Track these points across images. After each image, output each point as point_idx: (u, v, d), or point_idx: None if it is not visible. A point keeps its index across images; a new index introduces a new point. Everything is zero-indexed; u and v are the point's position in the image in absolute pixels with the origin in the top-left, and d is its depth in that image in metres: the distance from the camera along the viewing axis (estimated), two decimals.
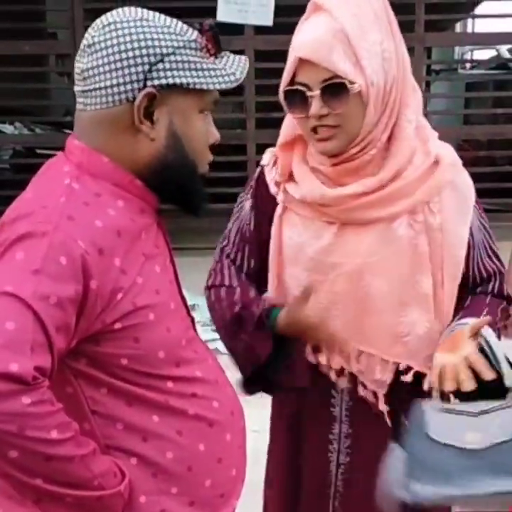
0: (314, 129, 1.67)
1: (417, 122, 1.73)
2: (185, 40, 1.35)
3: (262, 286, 1.88)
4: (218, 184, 5.23)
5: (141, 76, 1.32)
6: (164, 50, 1.33)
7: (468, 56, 12.16)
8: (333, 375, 1.80)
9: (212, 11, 5.32)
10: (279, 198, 1.80)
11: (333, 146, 1.68)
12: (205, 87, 1.36)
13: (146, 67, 1.32)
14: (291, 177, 1.79)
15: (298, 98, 1.66)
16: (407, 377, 1.77)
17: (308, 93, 1.63)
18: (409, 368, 1.78)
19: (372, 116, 1.65)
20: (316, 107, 1.63)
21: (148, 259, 1.38)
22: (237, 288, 1.86)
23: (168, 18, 1.38)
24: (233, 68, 1.40)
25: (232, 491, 1.50)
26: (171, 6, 4.39)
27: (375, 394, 1.80)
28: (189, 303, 1.56)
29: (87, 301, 1.24)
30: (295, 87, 1.65)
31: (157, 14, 1.38)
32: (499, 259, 1.83)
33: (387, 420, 1.80)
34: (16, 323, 1.17)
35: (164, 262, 1.46)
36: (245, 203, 1.91)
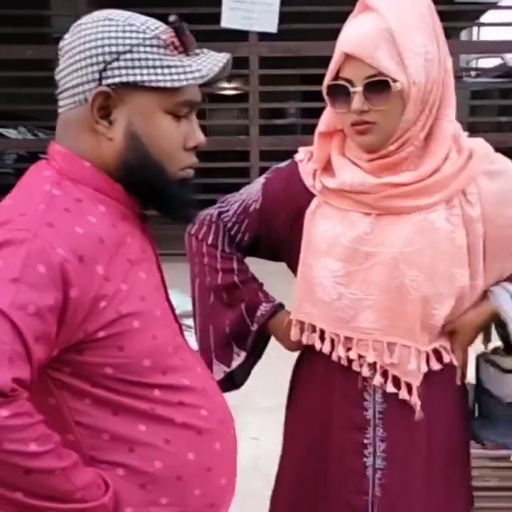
0: (354, 124, 1.72)
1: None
2: (146, 38, 1.32)
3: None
4: (221, 190, 5.22)
5: (97, 75, 1.31)
6: (120, 48, 1.31)
7: (473, 64, 12.16)
8: (365, 371, 1.79)
9: (216, 18, 5.33)
10: (317, 187, 1.83)
11: (371, 140, 1.73)
12: (161, 84, 1.33)
13: (102, 66, 1.31)
14: (326, 169, 1.83)
15: (341, 93, 1.71)
16: (437, 366, 1.79)
17: (351, 89, 1.68)
18: (440, 358, 1.80)
19: (411, 115, 1.69)
20: (357, 102, 1.68)
21: (134, 265, 1.35)
22: (235, 264, 1.96)
23: (136, 17, 1.35)
24: (201, 65, 1.35)
25: (222, 500, 1.47)
26: (174, 13, 4.37)
27: (408, 387, 1.78)
28: (184, 308, 1.55)
29: (67, 309, 1.22)
30: (339, 82, 1.70)
31: (126, 14, 1.36)
32: None
33: (418, 412, 1.78)
34: None
35: (150, 267, 1.43)
36: (259, 181, 1.97)
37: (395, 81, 1.64)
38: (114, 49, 1.31)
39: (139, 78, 1.31)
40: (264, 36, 5.39)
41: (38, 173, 1.37)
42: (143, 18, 1.36)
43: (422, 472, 1.82)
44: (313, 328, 1.84)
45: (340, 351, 1.80)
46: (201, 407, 1.43)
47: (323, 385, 1.86)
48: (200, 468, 1.41)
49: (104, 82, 1.31)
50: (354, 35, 1.68)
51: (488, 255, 1.77)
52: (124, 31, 1.31)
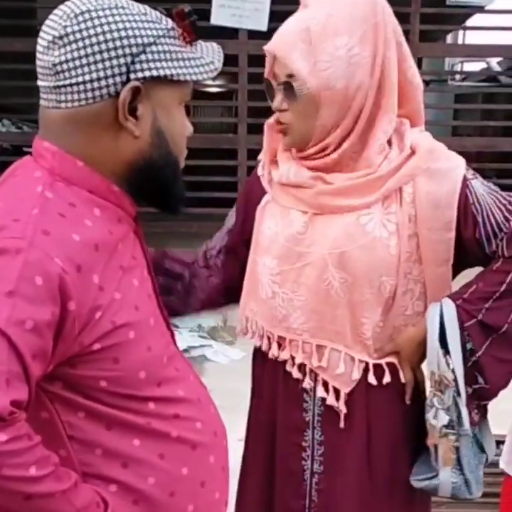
0: (276, 123, 1.73)
1: (398, 123, 1.73)
2: (164, 29, 1.27)
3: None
4: (208, 188, 5.20)
5: (124, 68, 1.23)
6: (146, 40, 1.24)
7: (457, 68, 12.22)
8: (295, 373, 1.77)
9: (206, 14, 5.29)
10: (263, 182, 1.82)
11: (287, 141, 1.74)
12: (188, 77, 1.28)
13: (129, 58, 1.23)
14: (275, 162, 1.82)
15: (270, 88, 1.71)
16: (372, 378, 1.74)
17: (275, 86, 1.70)
18: (376, 367, 1.75)
19: (326, 120, 1.66)
20: (277, 100, 1.69)
21: (126, 272, 1.28)
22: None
23: (141, 6, 1.29)
24: (210, 57, 1.32)
25: None
26: (163, 7, 4.34)
27: (337, 393, 1.75)
28: None
29: (64, 323, 1.15)
30: (267, 78, 1.71)
31: (130, 1, 1.29)
32: None
33: (342, 422, 1.75)
34: None
35: (142, 273, 1.36)
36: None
37: (303, 84, 1.62)
38: (139, 41, 1.24)
39: (167, 72, 1.26)
40: (253, 34, 5.36)
41: (26, 173, 1.28)
42: (142, 6, 1.29)
43: (360, 481, 1.78)
44: (256, 325, 1.84)
45: (274, 350, 1.79)
46: (196, 420, 1.39)
47: (270, 385, 1.85)
48: (194, 483, 1.37)
49: (132, 75, 1.23)
50: (279, 33, 1.67)
51: (423, 259, 1.73)
52: (143, 21, 1.25)
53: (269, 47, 1.67)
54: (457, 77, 11.55)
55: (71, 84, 1.24)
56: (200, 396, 1.43)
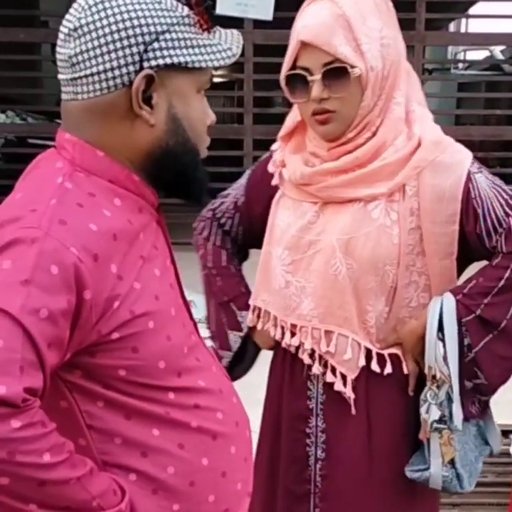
0: (314, 114, 1.71)
1: (407, 106, 1.77)
2: (178, 16, 1.25)
3: (245, 254, 2.10)
4: (214, 179, 5.18)
5: (137, 57, 1.22)
6: (159, 28, 1.23)
7: (460, 56, 12.18)
8: (306, 358, 1.80)
9: (211, 4, 5.28)
10: (274, 181, 1.86)
11: (333, 129, 1.73)
12: (203, 64, 1.27)
13: (142, 47, 1.22)
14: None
15: (299, 82, 1.71)
16: (375, 366, 1.78)
17: (310, 77, 1.68)
18: (379, 357, 1.79)
19: (370, 101, 1.70)
20: (317, 90, 1.68)
21: (147, 262, 1.28)
22: (225, 260, 2.01)
23: None
24: (228, 43, 1.31)
25: (238, 506, 1.43)
26: None
27: (344, 379, 1.78)
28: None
29: (80, 312, 1.15)
30: (297, 72, 1.70)
31: None
32: None
33: (353, 408, 1.78)
34: (4, 341, 1.07)
35: (164, 263, 1.36)
36: (245, 175, 2.02)
37: (352, 67, 1.65)
38: (152, 29, 1.23)
39: (181, 59, 1.25)
40: (259, 24, 5.34)
41: (49, 164, 1.28)
42: None
43: (361, 469, 1.82)
44: (269, 316, 1.87)
45: (286, 338, 1.82)
46: (217, 410, 1.38)
47: (280, 374, 1.89)
48: (215, 473, 1.36)
49: (145, 64, 1.23)
50: (310, 23, 1.67)
51: (427, 252, 1.75)
52: (156, 9, 1.24)
53: (305, 37, 1.66)
54: (460, 65, 11.50)
55: (86, 76, 1.24)
56: (222, 387, 1.42)
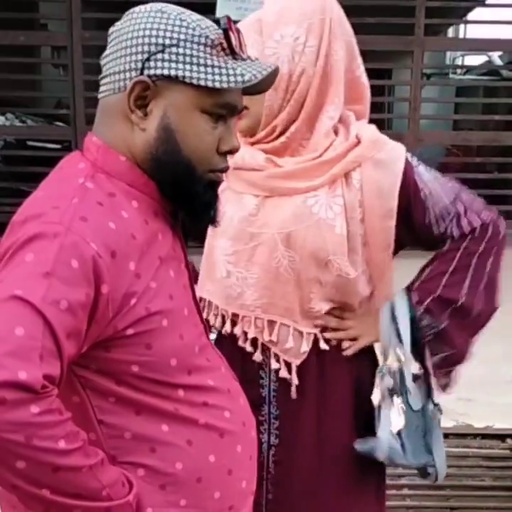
0: None
1: (344, 112, 1.85)
2: (194, 34, 1.29)
3: None
4: None
5: (139, 65, 1.29)
6: (167, 41, 1.28)
7: (459, 61, 12.19)
8: (248, 347, 1.85)
9: (211, 8, 5.30)
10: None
11: (244, 124, 1.83)
12: (201, 82, 1.29)
13: (145, 55, 1.29)
14: None
15: None
16: (323, 345, 1.85)
17: None
18: (326, 338, 1.86)
19: (273, 102, 1.78)
20: None
21: (164, 263, 1.33)
22: None
23: (190, 13, 1.32)
24: (246, 70, 1.31)
25: (242, 503, 1.46)
26: (169, 1, 4.33)
27: (288, 366, 1.83)
28: None
29: (98, 305, 1.19)
30: None
31: (181, 9, 1.33)
32: (464, 195, 1.87)
33: (293, 393, 1.83)
34: (26, 329, 1.11)
35: (179, 266, 1.41)
36: None
37: None
38: (160, 41, 1.28)
39: (180, 73, 1.29)
40: None
41: (72, 164, 1.34)
42: (197, 16, 1.33)
43: (312, 453, 1.87)
44: (212, 305, 1.92)
45: (227, 327, 1.88)
46: (225, 409, 1.41)
47: (229, 363, 1.91)
48: (221, 470, 1.39)
49: (145, 72, 1.29)
50: (238, 25, 1.78)
51: (370, 244, 1.82)
52: (173, 25, 1.29)
53: None
54: (458, 70, 11.52)
55: (104, 77, 1.35)
56: (230, 387, 1.46)
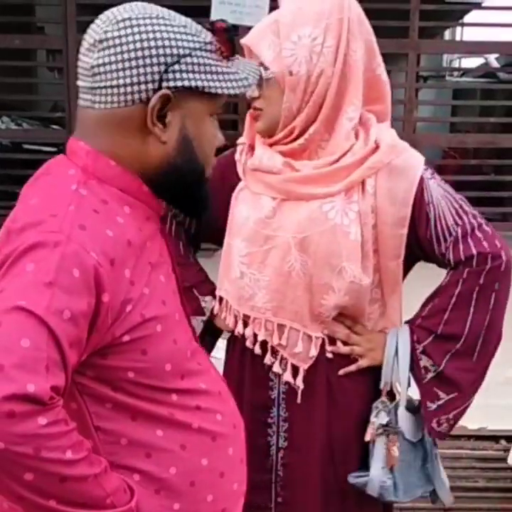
0: (251, 109, 1.87)
1: (364, 115, 1.84)
2: (202, 42, 1.30)
3: (197, 245, 2.13)
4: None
5: (157, 77, 1.27)
6: (181, 51, 1.28)
7: (456, 63, 12.21)
8: (257, 349, 1.86)
9: (206, 11, 5.30)
10: (239, 169, 1.92)
11: (261, 126, 1.84)
12: (219, 91, 1.32)
13: (162, 67, 1.27)
14: (253, 151, 1.91)
15: None
16: (330, 350, 1.85)
17: None
18: (332, 343, 1.86)
19: (291, 103, 1.77)
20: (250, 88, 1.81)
21: (154, 268, 1.33)
22: (182, 250, 2.02)
23: (183, 18, 1.33)
24: (246, 73, 1.36)
25: (234, 505, 1.46)
26: (164, 4, 4.34)
27: (296, 370, 1.84)
28: None
29: (99, 314, 1.19)
30: None
31: (172, 12, 1.33)
32: (469, 220, 1.82)
33: (299, 398, 1.84)
34: (31, 341, 1.11)
35: (168, 270, 1.42)
36: None
37: (266, 69, 1.75)
38: (175, 51, 1.27)
39: (199, 84, 1.29)
40: None
41: (60, 170, 1.32)
42: (184, 18, 1.33)
43: (322, 456, 1.88)
44: (228, 304, 1.93)
45: (239, 327, 1.89)
46: (217, 412, 1.42)
47: (239, 365, 1.94)
48: (214, 473, 1.40)
49: (164, 84, 1.27)
50: (254, 27, 1.81)
51: (379, 251, 1.82)
52: (181, 33, 1.29)
53: (244, 40, 1.80)
54: (455, 73, 11.53)
55: (106, 87, 1.28)
56: (220, 389, 1.47)
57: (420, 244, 1.83)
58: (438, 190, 1.82)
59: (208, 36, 1.32)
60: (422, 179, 1.80)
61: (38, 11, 8.16)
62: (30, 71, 8.56)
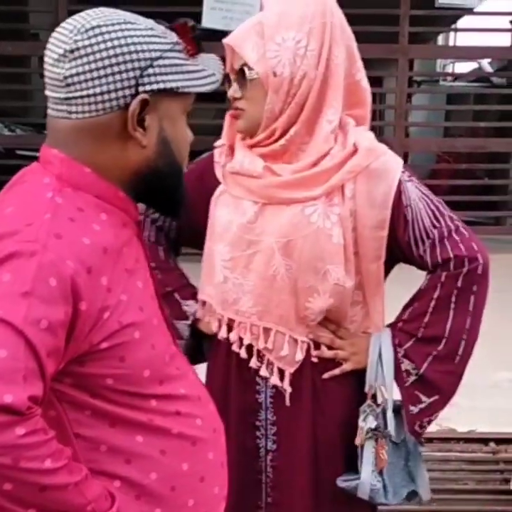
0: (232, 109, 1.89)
1: (343, 118, 1.85)
2: (170, 43, 1.32)
3: (178, 250, 2.14)
4: None
5: (133, 82, 1.27)
6: (153, 54, 1.28)
7: (449, 68, 12.24)
8: (242, 353, 1.86)
9: (197, 17, 5.33)
10: (218, 174, 1.92)
11: (239, 125, 1.85)
12: (193, 90, 1.33)
13: (137, 72, 1.27)
14: (232, 153, 1.92)
15: (227, 80, 1.84)
16: (315, 354, 1.86)
17: (231, 76, 1.84)
18: (317, 347, 1.87)
19: (274, 105, 1.78)
20: (232, 89, 1.84)
21: (131, 274, 1.33)
22: (162, 255, 2.04)
23: (148, 21, 1.34)
24: (212, 69, 1.37)
25: (215, 509, 1.47)
26: (154, 11, 4.38)
27: (282, 373, 1.85)
28: None
29: (76, 323, 1.20)
30: (225, 71, 1.79)
31: (135, 16, 1.33)
32: (446, 222, 1.84)
33: (287, 400, 1.85)
34: (8, 351, 1.11)
35: (145, 276, 1.41)
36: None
37: (250, 70, 1.77)
38: (147, 55, 1.28)
39: (173, 84, 1.31)
40: None
41: (35, 179, 1.32)
42: (149, 21, 1.34)
43: (309, 459, 1.89)
44: (211, 309, 1.92)
45: (223, 332, 1.89)
46: (196, 417, 1.42)
47: (224, 368, 1.94)
48: (194, 478, 1.40)
49: (141, 88, 1.28)
50: (237, 28, 1.83)
51: (360, 254, 1.83)
52: (150, 36, 1.30)
53: (227, 40, 1.82)
54: (449, 77, 11.56)
55: (82, 96, 1.27)
56: (200, 393, 1.47)
57: (399, 247, 1.84)
58: (416, 192, 1.84)
59: (173, 36, 1.33)
60: (400, 182, 1.82)
61: (32, 17, 8.18)
62: (24, 77, 8.57)
